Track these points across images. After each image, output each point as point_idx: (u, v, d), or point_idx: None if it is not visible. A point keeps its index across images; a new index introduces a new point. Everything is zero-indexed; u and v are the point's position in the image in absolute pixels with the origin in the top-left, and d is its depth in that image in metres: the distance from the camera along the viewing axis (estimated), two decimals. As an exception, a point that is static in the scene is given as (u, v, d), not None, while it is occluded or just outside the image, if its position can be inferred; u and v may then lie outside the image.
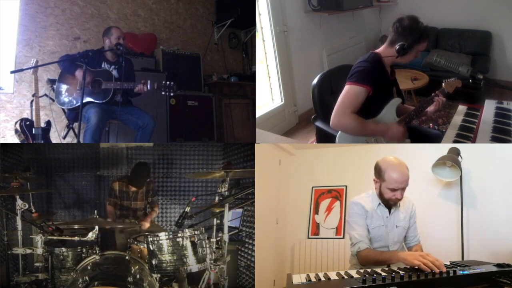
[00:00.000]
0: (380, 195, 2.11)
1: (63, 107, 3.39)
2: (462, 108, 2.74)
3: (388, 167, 2.03)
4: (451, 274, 1.37)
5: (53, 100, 3.63)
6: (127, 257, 2.24)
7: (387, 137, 2.29)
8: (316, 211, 3.79)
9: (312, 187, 3.88)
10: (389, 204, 2.12)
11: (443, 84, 2.40)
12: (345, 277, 1.48)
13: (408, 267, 1.58)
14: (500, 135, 2.33)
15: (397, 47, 2.24)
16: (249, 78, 5.21)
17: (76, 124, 3.41)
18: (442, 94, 2.36)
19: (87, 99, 3.22)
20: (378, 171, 2.08)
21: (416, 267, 1.51)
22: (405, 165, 2.05)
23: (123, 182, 3.22)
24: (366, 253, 1.95)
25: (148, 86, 3.24)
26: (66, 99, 3.29)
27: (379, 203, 2.13)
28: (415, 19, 2.25)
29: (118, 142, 3.76)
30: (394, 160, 2.07)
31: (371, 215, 2.10)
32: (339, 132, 2.31)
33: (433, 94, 2.37)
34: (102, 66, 3.37)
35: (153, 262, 2.15)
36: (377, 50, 2.35)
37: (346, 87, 2.20)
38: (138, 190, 3.21)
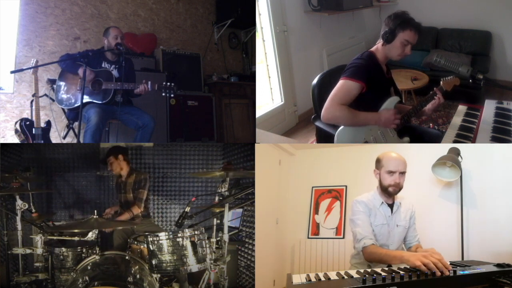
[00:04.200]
0: (381, 186, 2.16)
1: (63, 107, 3.39)
2: (462, 108, 2.74)
3: (386, 155, 2.17)
4: (451, 274, 1.37)
5: (53, 100, 3.64)
6: (127, 257, 2.24)
7: (380, 123, 2.30)
8: (316, 211, 3.79)
9: (312, 187, 3.88)
10: (389, 192, 2.13)
11: (441, 82, 2.41)
12: (345, 277, 1.48)
13: (409, 267, 1.57)
14: (500, 135, 2.33)
15: (382, 33, 2.28)
16: (249, 78, 5.21)
17: (76, 124, 3.41)
18: (440, 92, 2.36)
19: (87, 99, 3.22)
20: (378, 161, 2.19)
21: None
22: (401, 155, 2.17)
23: (119, 176, 3.26)
24: (371, 250, 1.94)
25: (149, 88, 3.24)
26: (66, 99, 3.30)
27: (382, 202, 2.16)
28: (402, 11, 2.30)
29: (118, 142, 3.75)
30: (392, 151, 2.19)
31: (374, 213, 2.13)
32: (338, 131, 2.32)
33: (431, 92, 2.38)
34: (103, 65, 3.37)
35: (153, 262, 2.15)
36: (372, 49, 2.38)
37: (339, 82, 2.24)
38: (127, 181, 3.17)
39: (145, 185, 3.15)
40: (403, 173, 2.12)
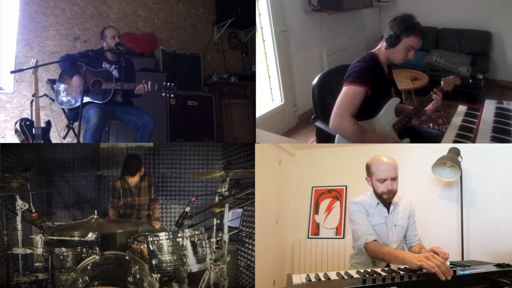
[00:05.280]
0: (375, 193, 2.16)
1: (63, 107, 3.39)
2: (462, 108, 2.74)
3: (374, 161, 2.14)
4: (452, 274, 1.37)
5: (53, 100, 3.64)
6: (127, 257, 2.23)
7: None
8: (316, 211, 3.79)
9: (312, 187, 3.88)
10: (384, 199, 2.13)
11: (442, 82, 2.40)
12: (345, 277, 1.48)
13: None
14: (500, 135, 2.32)
15: (386, 37, 2.26)
16: (249, 78, 5.21)
17: (76, 124, 3.41)
18: (441, 92, 2.36)
19: (87, 99, 3.22)
20: (368, 169, 2.17)
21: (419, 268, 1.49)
22: (392, 159, 2.13)
23: (123, 179, 3.23)
24: (374, 247, 1.92)
25: (149, 87, 3.24)
26: (66, 99, 3.30)
27: (378, 202, 2.16)
28: (409, 14, 2.27)
29: (118, 142, 3.76)
30: (381, 155, 2.15)
31: (372, 213, 2.13)
32: (338, 132, 2.32)
33: (431, 93, 2.37)
34: (103, 66, 3.37)
35: (153, 262, 2.15)
36: (373, 50, 2.36)
37: (344, 88, 2.20)
38: (140, 185, 3.19)
39: (156, 188, 3.33)
40: (394, 178, 2.10)
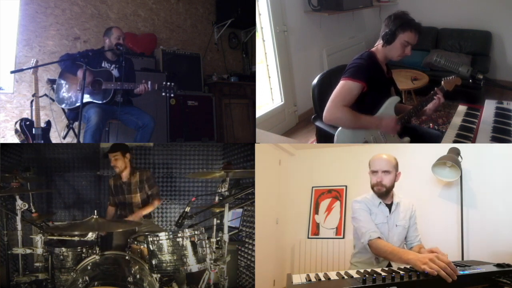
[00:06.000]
0: (372, 188, 2.20)
1: (63, 107, 3.39)
2: (462, 108, 2.74)
3: (374, 156, 2.21)
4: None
5: (53, 100, 3.64)
6: (127, 257, 2.23)
7: (381, 128, 2.32)
8: (316, 211, 3.79)
9: (312, 187, 3.88)
10: (376, 192, 2.17)
11: (442, 82, 2.40)
12: (345, 277, 1.48)
13: (409, 267, 1.57)
14: (500, 135, 2.33)
15: (382, 34, 2.29)
16: (249, 78, 5.22)
17: (76, 124, 3.41)
18: (441, 92, 2.36)
19: (87, 99, 3.22)
20: (369, 164, 2.23)
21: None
22: (390, 155, 2.19)
23: (116, 177, 3.21)
24: (378, 245, 1.92)
25: (149, 87, 3.24)
26: (67, 99, 3.30)
27: (380, 202, 2.18)
28: (403, 11, 2.30)
29: (118, 142, 3.75)
30: (381, 153, 2.22)
31: (374, 212, 2.15)
32: (337, 131, 2.32)
33: (432, 92, 2.37)
34: (103, 65, 3.37)
35: (153, 262, 2.15)
36: (372, 49, 2.38)
37: (340, 83, 2.24)
38: (131, 181, 3.13)
39: (155, 181, 3.23)
40: (386, 171, 2.13)
